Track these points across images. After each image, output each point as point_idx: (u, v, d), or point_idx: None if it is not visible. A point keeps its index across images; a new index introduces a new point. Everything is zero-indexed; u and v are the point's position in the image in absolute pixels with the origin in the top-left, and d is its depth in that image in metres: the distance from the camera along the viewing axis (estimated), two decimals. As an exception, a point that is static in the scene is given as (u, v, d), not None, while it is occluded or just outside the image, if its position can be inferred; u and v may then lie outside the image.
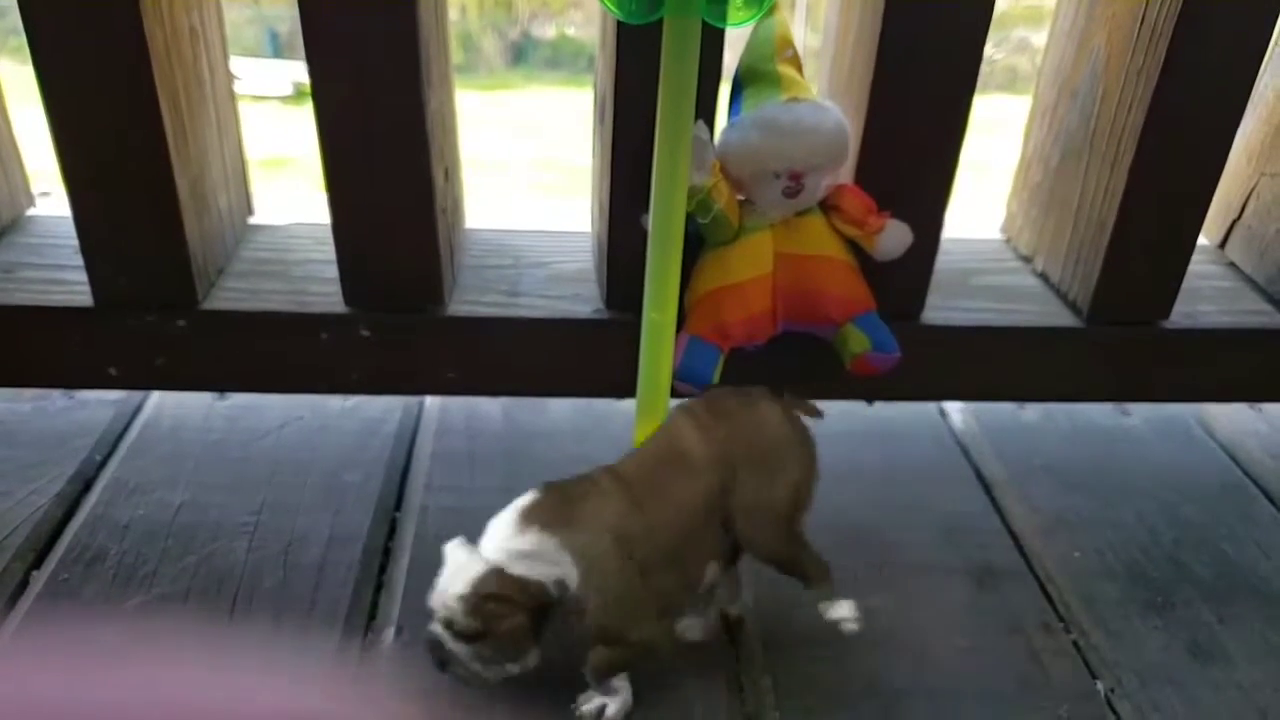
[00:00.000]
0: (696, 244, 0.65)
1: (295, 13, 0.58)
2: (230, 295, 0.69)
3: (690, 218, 0.60)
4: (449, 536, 0.52)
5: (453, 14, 0.72)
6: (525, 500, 0.52)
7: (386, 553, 0.67)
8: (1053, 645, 0.63)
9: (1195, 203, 0.68)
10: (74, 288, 0.68)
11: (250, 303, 0.69)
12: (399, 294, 0.68)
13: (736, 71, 0.64)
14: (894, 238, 0.64)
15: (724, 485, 0.53)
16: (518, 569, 0.50)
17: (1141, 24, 0.64)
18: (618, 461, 0.55)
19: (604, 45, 0.64)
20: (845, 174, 0.67)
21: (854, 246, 0.66)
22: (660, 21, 0.53)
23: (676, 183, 0.56)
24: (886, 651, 0.62)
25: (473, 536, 0.52)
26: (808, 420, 0.57)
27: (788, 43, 0.63)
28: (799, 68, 0.64)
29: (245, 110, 0.76)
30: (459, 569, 0.50)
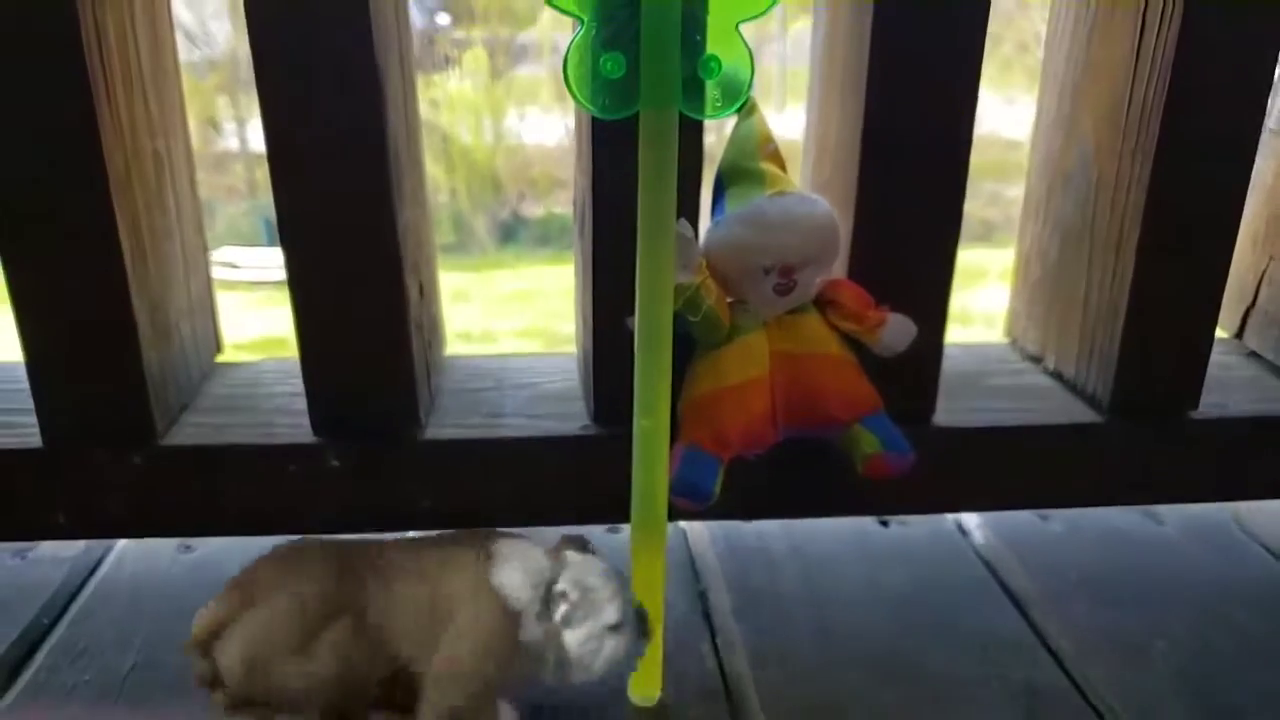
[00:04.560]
0: (687, 347, 0.61)
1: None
2: (191, 430, 0.65)
3: (678, 319, 0.56)
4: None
5: (444, 196, 0.71)
6: None
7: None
8: (1122, 778, 0.55)
9: (1213, 275, 0.64)
10: (23, 430, 0.63)
11: (212, 437, 0.64)
12: (372, 418, 0.63)
13: (718, 171, 0.62)
14: (897, 329, 0.61)
15: None
16: None
17: (1130, 103, 0.62)
18: None
19: (580, 152, 0.63)
20: (837, 272, 0.64)
21: (854, 344, 0.62)
22: (636, 117, 0.51)
23: (661, 279, 0.52)
24: (932, 793, 0.54)
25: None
26: None
27: (769, 139, 0.62)
28: (781, 164, 0.62)
29: (240, 297, 0.75)
30: None
